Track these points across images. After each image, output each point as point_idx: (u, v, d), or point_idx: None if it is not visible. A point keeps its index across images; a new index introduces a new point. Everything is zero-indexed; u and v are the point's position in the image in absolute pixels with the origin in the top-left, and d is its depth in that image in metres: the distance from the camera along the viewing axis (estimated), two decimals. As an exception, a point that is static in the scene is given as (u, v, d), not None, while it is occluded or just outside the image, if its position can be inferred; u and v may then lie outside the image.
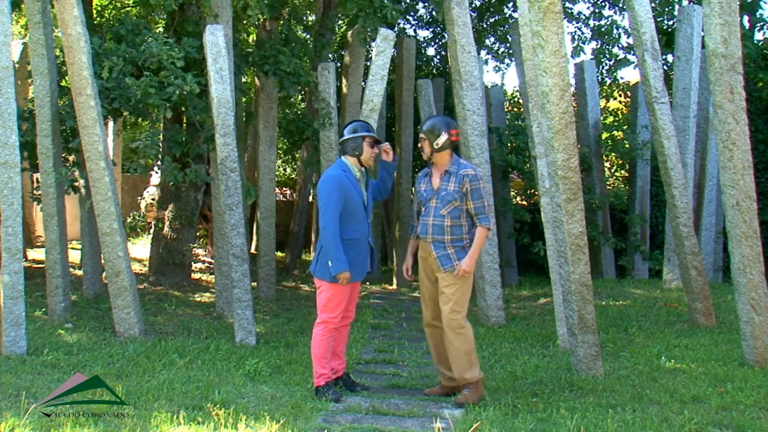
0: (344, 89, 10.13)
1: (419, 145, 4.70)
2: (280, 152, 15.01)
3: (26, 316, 5.64)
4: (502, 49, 15.14)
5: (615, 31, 13.48)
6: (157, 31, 9.14)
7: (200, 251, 12.39)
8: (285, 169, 17.43)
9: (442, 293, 4.53)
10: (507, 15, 14.10)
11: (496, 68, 23.56)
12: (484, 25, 14.39)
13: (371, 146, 4.68)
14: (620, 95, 14.72)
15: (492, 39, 14.98)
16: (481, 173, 7.26)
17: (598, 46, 13.76)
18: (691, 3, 9.55)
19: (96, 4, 10.18)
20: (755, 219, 5.28)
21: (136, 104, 6.70)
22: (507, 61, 15.37)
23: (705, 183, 9.18)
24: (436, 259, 4.52)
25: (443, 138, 4.54)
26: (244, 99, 10.86)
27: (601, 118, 11.03)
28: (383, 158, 4.82)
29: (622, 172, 13.43)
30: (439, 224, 4.51)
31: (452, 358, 4.54)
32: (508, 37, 14.58)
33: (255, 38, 10.91)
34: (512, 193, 12.54)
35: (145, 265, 10.96)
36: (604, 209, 10.31)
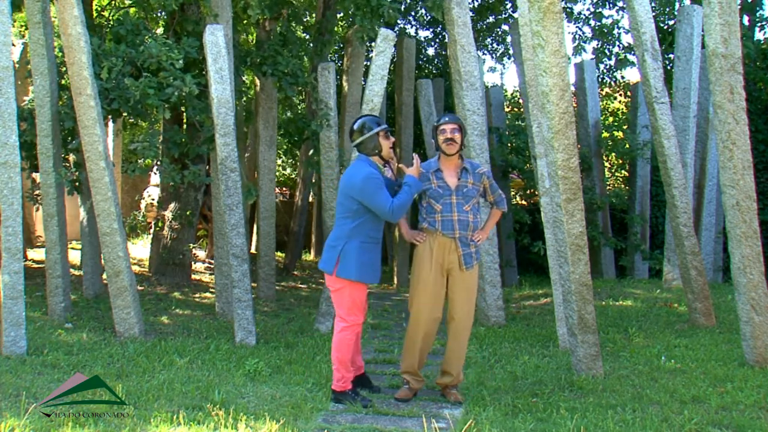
0: (344, 89, 10.13)
1: (451, 136, 4.54)
2: (280, 152, 15.00)
3: (26, 316, 5.64)
4: (501, 50, 15.15)
5: (615, 31, 13.49)
6: (157, 31, 9.14)
7: (200, 253, 12.39)
8: (285, 169, 17.43)
9: (460, 293, 4.54)
10: (506, 15, 14.09)
11: (492, 68, 23.59)
12: (483, 25, 14.38)
13: (387, 137, 4.53)
14: (620, 95, 14.72)
15: (490, 39, 14.98)
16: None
17: (599, 46, 13.77)
18: (691, 3, 9.55)
19: (96, 4, 10.17)
20: (755, 219, 5.28)
21: (135, 105, 6.70)
22: (506, 61, 15.38)
23: (705, 183, 9.18)
24: (461, 257, 4.52)
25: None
26: (243, 99, 10.85)
27: (601, 118, 11.03)
28: (411, 171, 4.55)
29: (622, 172, 13.44)
30: (464, 219, 4.54)
31: (458, 356, 4.60)
32: (507, 37, 14.61)
33: (255, 38, 10.92)
34: (512, 193, 12.54)
35: (145, 265, 10.96)
36: (604, 209, 10.31)
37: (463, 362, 4.65)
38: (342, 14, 12.30)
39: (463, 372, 4.72)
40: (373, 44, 8.41)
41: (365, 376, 4.83)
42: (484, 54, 15.11)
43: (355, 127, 4.58)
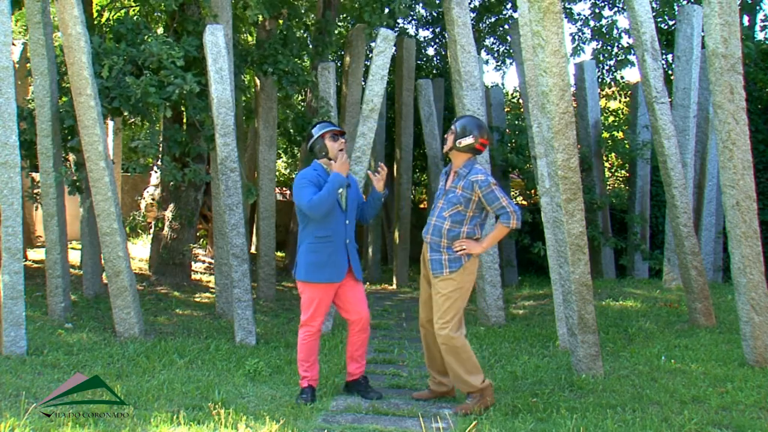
0: (344, 89, 10.13)
1: (445, 135, 4.54)
2: (280, 152, 15.02)
3: (26, 316, 5.64)
4: (501, 49, 15.15)
5: (615, 31, 13.49)
6: (158, 31, 9.13)
7: (200, 251, 12.40)
8: (286, 169, 17.44)
9: (435, 301, 4.38)
10: (507, 16, 14.09)
11: (497, 68, 23.51)
12: (484, 26, 14.39)
13: (333, 139, 4.57)
14: (620, 95, 14.72)
15: (491, 39, 14.99)
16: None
17: (598, 46, 13.77)
18: (691, 3, 9.55)
19: (96, 4, 10.18)
20: (755, 219, 5.28)
21: (136, 103, 6.70)
22: (508, 61, 15.39)
23: (705, 183, 9.18)
24: (428, 262, 4.40)
25: (468, 140, 4.34)
26: (243, 98, 10.85)
27: (601, 118, 11.03)
28: (374, 184, 4.64)
29: (622, 172, 13.44)
30: (438, 225, 4.36)
31: (448, 367, 4.39)
32: (507, 37, 14.61)
33: (255, 38, 10.92)
34: (512, 193, 12.53)
35: (145, 265, 10.96)
36: (604, 209, 10.31)
37: (457, 375, 4.32)
38: (344, 15, 12.29)
39: (473, 381, 4.30)
40: (373, 44, 8.41)
41: (359, 382, 4.72)
42: (487, 54, 15.12)
43: (311, 131, 4.70)
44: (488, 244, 4.39)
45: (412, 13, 13.43)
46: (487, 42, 15.02)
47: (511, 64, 15.55)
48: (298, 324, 7.31)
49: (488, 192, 4.28)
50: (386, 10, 7.93)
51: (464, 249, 4.30)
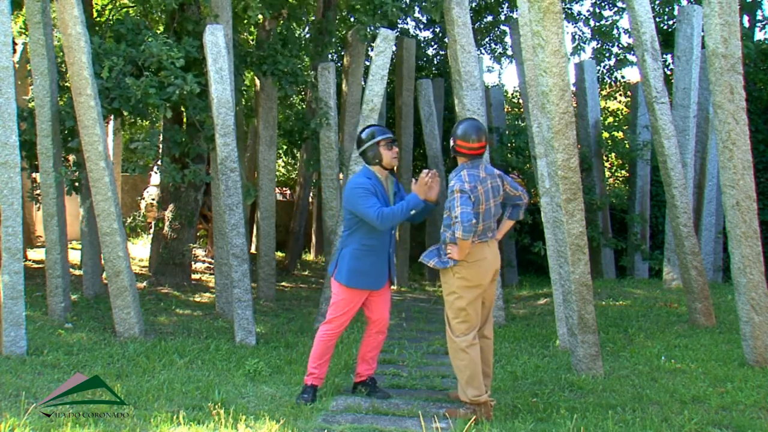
0: (344, 89, 10.13)
1: None
2: (280, 152, 15.02)
3: (26, 316, 5.64)
4: (498, 50, 15.16)
5: (615, 31, 13.49)
6: (157, 31, 9.13)
7: (200, 251, 12.40)
8: (286, 169, 17.43)
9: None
10: (504, 18, 14.08)
11: (490, 68, 23.52)
12: (481, 25, 14.39)
13: (389, 148, 4.50)
14: (620, 95, 14.72)
15: (488, 39, 14.99)
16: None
17: (598, 46, 13.76)
18: (691, 3, 9.55)
19: (96, 4, 10.17)
20: (755, 219, 5.29)
21: (137, 104, 6.70)
22: (504, 60, 15.40)
23: (705, 183, 9.18)
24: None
25: (451, 143, 4.32)
26: (243, 99, 10.83)
27: (601, 118, 11.03)
28: (429, 196, 4.45)
29: (622, 172, 13.44)
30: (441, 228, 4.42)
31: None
32: (504, 37, 14.61)
33: (255, 38, 10.92)
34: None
35: (145, 266, 10.96)
36: (604, 209, 10.31)
37: (459, 379, 4.27)
38: (343, 14, 12.29)
39: (469, 392, 4.19)
40: (373, 44, 8.41)
41: (367, 383, 4.76)
42: (481, 54, 15.11)
43: (362, 135, 4.60)
44: (459, 252, 4.16)
45: (408, 16, 13.45)
46: (483, 42, 15.02)
47: (508, 62, 15.56)
48: (298, 324, 7.38)
49: (450, 199, 4.16)
50: (380, 12, 7.93)
51: (449, 253, 4.24)
